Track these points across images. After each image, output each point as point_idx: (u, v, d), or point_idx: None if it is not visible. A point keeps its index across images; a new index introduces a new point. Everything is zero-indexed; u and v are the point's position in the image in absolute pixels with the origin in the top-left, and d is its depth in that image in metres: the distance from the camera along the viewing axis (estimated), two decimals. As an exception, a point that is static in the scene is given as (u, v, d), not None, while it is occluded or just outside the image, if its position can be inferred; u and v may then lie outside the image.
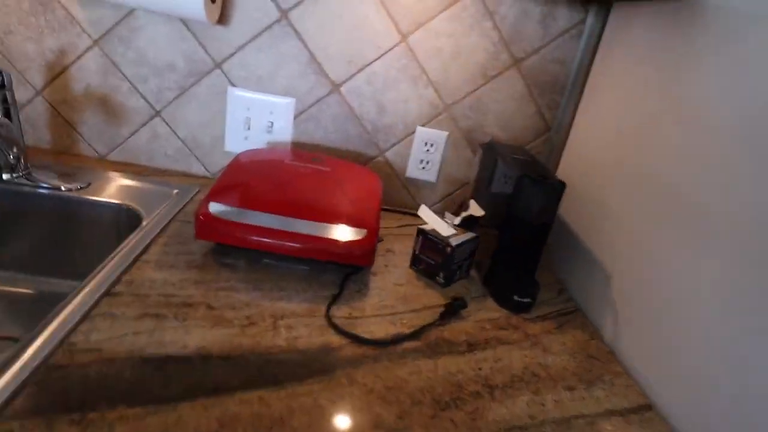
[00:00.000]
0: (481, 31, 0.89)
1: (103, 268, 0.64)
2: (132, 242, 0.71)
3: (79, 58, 0.87)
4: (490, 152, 0.88)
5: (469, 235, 0.77)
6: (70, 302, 0.57)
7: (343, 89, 0.92)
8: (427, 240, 0.77)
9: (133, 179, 0.89)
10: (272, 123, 0.93)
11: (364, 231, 0.69)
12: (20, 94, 0.89)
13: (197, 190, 0.91)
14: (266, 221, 0.66)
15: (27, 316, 0.82)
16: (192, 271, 0.67)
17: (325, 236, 0.67)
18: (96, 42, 0.86)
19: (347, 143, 0.96)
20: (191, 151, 0.96)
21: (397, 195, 1.01)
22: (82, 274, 0.63)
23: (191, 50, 0.87)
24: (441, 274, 0.76)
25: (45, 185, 0.81)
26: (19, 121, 0.79)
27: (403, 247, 0.86)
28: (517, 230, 0.75)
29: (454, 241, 0.74)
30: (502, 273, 0.77)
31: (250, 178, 0.75)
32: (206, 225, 0.66)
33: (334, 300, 0.67)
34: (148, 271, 0.65)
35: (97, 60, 0.87)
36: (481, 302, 0.75)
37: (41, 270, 0.85)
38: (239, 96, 0.91)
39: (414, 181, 1.00)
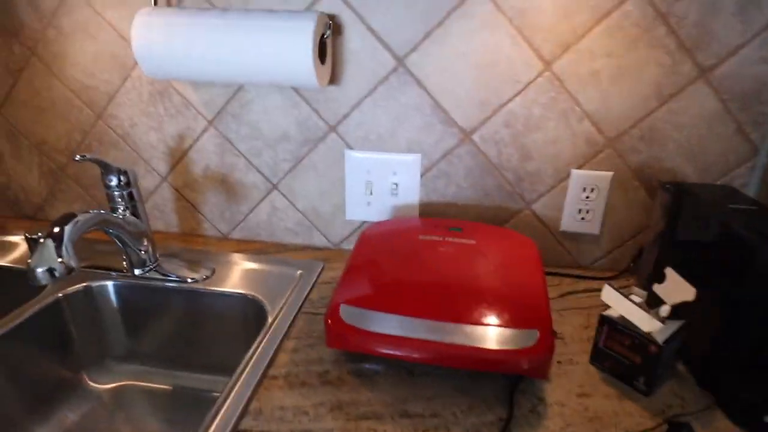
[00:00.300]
0: (650, 40, 0.68)
1: (230, 391, 0.56)
2: (258, 350, 0.63)
3: (196, 140, 0.84)
4: (677, 197, 0.66)
5: (676, 324, 0.56)
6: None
7: (476, 137, 0.77)
8: (617, 332, 0.58)
9: (255, 261, 0.83)
10: (396, 184, 0.81)
11: (536, 333, 0.52)
12: (147, 182, 0.89)
13: (321, 267, 0.82)
14: (409, 327, 0.53)
15: (167, 411, 0.78)
16: (326, 389, 0.56)
17: (485, 346, 0.51)
18: (210, 122, 0.82)
19: (485, 198, 0.80)
20: (311, 223, 0.88)
21: (550, 252, 0.83)
22: (214, 367, 0.62)
23: (304, 117, 0.79)
24: (641, 379, 0.56)
25: (172, 277, 0.78)
26: (146, 215, 0.77)
27: (573, 329, 0.68)
28: (754, 309, 0.52)
29: (660, 337, 0.54)
30: (734, 374, 0.55)
31: (381, 265, 0.64)
32: (338, 335, 0.55)
33: (506, 427, 0.51)
34: (277, 392, 0.56)
35: (213, 140, 0.84)
36: (708, 421, 0.54)
37: (176, 364, 0.82)
38: (358, 158, 0.81)
39: (571, 235, 0.81)
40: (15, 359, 0.69)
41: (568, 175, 0.77)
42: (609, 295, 0.59)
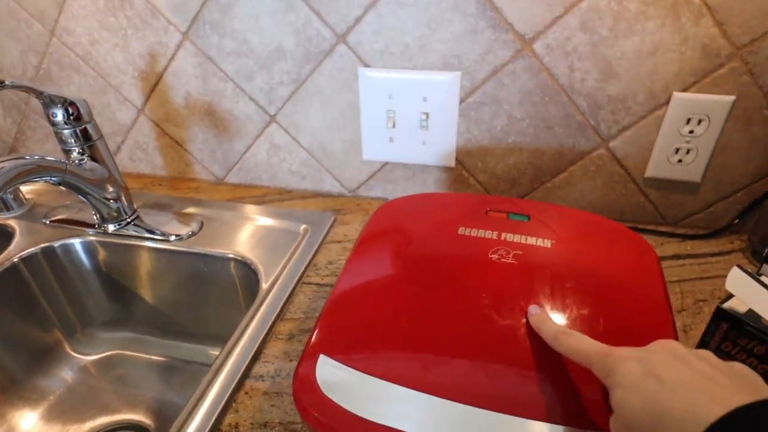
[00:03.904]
0: None
1: (196, 406, 0.43)
2: (243, 339, 0.49)
3: (171, 60, 0.66)
4: None
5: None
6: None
7: (538, 46, 0.55)
8: (743, 335, 0.40)
9: (252, 213, 0.68)
10: (427, 114, 0.62)
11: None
12: (123, 115, 0.73)
13: (332, 220, 0.66)
14: (436, 421, 0.32)
15: (161, 382, 0.68)
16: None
17: None
18: (185, 35, 0.63)
19: (546, 134, 0.60)
20: (320, 164, 0.70)
21: (627, 204, 0.63)
22: (213, 338, 0.52)
23: (302, 23, 0.59)
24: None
25: (152, 234, 0.64)
26: (111, 157, 0.61)
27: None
28: None
29: (820, 351, 0.36)
30: None
31: (394, 289, 0.41)
32: (310, 416, 0.34)
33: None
34: (256, 401, 0.42)
35: (191, 59, 0.65)
36: None
37: (170, 333, 0.70)
38: (376, 79, 0.61)
39: (659, 183, 0.61)
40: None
41: (667, 101, 0.55)
42: (737, 280, 0.40)
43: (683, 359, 0.27)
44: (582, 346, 0.31)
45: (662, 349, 0.28)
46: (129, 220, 0.65)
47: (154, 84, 0.69)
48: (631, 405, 0.26)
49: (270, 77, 0.64)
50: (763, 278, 0.44)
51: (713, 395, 0.24)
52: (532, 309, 0.37)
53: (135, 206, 0.66)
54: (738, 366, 0.27)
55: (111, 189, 0.62)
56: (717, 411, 0.22)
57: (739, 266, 0.40)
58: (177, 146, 0.74)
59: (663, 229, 0.62)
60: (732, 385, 0.25)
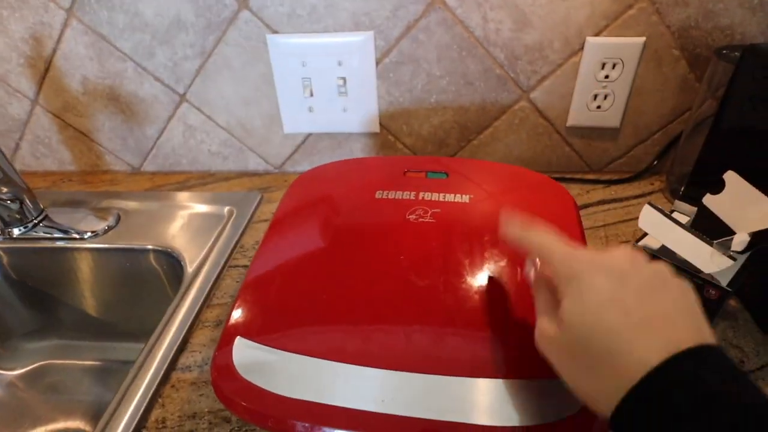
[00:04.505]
0: None
1: (123, 398, 0.40)
2: (166, 333, 0.46)
3: (58, 42, 0.60)
4: (739, 66, 0.46)
5: (743, 258, 0.39)
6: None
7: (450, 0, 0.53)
8: (657, 271, 0.41)
9: (172, 200, 0.64)
10: (344, 79, 0.59)
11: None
12: (15, 109, 0.66)
13: (258, 199, 0.63)
14: (362, 390, 0.31)
15: (98, 387, 0.65)
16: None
17: (509, 422, 0.29)
18: (70, 11, 0.57)
19: (467, 90, 0.59)
20: (241, 142, 0.67)
21: (553, 155, 0.64)
22: (141, 334, 0.46)
23: (200, -10, 0.55)
24: (690, 332, 0.41)
25: (65, 234, 0.59)
26: (5, 157, 0.55)
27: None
28: None
29: (723, 277, 0.37)
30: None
31: (311, 259, 0.39)
32: (231, 398, 0.32)
33: None
34: (183, 393, 0.40)
35: (82, 38, 0.59)
36: (784, 381, 0.39)
37: (103, 335, 0.66)
38: (286, 45, 0.57)
39: (581, 131, 0.61)
40: None
41: (581, 47, 0.55)
42: (650, 218, 0.40)
43: (654, 288, 0.24)
44: (545, 240, 0.29)
45: (636, 269, 0.25)
46: (36, 221, 0.60)
47: (44, 71, 0.62)
48: (585, 323, 0.24)
49: (172, 52, 0.59)
50: (675, 214, 0.45)
51: (667, 339, 0.22)
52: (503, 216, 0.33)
53: (42, 206, 0.61)
54: (692, 295, 0.25)
55: (6, 190, 0.56)
56: (657, 358, 0.21)
57: (650, 204, 0.41)
58: (83, 137, 0.68)
59: (589, 176, 0.63)
60: (684, 325, 0.23)
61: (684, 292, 0.25)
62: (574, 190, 0.61)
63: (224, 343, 0.35)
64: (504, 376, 0.31)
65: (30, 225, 0.60)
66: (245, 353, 0.34)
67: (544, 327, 0.26)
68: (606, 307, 0.23)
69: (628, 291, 0.24)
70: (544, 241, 0.29)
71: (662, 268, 0.26)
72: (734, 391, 0.21)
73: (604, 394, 0.23)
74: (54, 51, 0.60)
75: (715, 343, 0.23)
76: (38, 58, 0.61)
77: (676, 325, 0.23)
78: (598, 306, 0.24)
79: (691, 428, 0.20)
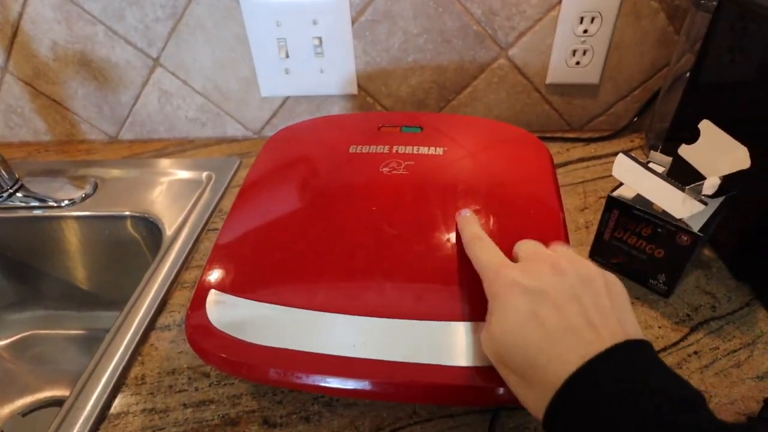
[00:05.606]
0: None
1: (101, 358, 0.41)
2: (147, 296, 0.46)
3: (24, 5, 0.58)
4: (719, 15, 0.45)
5: (715, 203, 0.40)
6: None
7: (423, -48, 0.52)
8: (631, 219, 0.41)
9: (150, 167, 0.63)
10: (320, 39, 0.58)
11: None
12: (-17, 75, 0.64)
13: (237, 164, 0.62)
14: (335, 336, 0.31)
15: (84, 356, 0.65)
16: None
17: (460, 366, 0.29)
18: (33, -29, 0.55)
19: (445, 48, 0.58)
20: (218, 107, 0.66)
21: (533, 114, 0.63)
22: (125, 302, 0.45)
23: (167, -54, 0.53)
24: (661, 278, 0.41)
25: (42, 202, 0.59)
26: (-28, 122, 0.54)
27: (566, 213, 0.51)
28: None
29: (695, 223, 0.38)
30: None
31: (284, 213, 0.39)
32: (207, 350, 0.32)
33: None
34: (162, 351, 0.41)
35: (48, 1, 0.57)
36: (748, 322, 0.40)
37: (87, 304, 0.66)
38: (259, 5, 0.56)
39: (561, 89, 0.61)
40: None
41: (559, 0, 0.54)
42: (624, 167, 0.41)
43: (573, 296, 0.26)
44: (482, 257, 0.31)
45: (556, 281, 0.27)
46: (11, 191, 0.59)
47: (11, 36, 0.60)
48: (507, 341, 0.26)
49: (143, 14, 0.58)
50: (651, 165, 0.45)
51: (586, 345, 0.23)
52: (463, 212, 0.36)
53: (17, 176, 0.60)
54: (617, 289, 0.27)
55: (-22, 158, 0.55)
56: (571, 368, 0.23)
57: (623, 152, 0.41)
58: (56, 106, 0.67)
59: (570, 135, 0.63)
60: (605, 326, 0.24)
61: (609, 288, 0.27)
62: (554, 148, 0.61)
63: (198, 297, 0.35)
64: (472, 319, 0.31)
65: (5, 195, 0.59)
66: (218, 306, 0.34)
67: (484, 335, 0.28)
68: (523, 325, 0.25)
69: (545, 307, 0.25)
70: (480, 256, 0.31)
71: (587, 270, 0.27)
72: (630, 399, 0.21)
73: (533, 401, 0.25)
74: (20, 15, 0.59)
75: (636, 336, 0.24)
76: (5, 23, 0.59)
77: (594, 328, 0.24)
78: (517, 325, 0.26)
79: None
